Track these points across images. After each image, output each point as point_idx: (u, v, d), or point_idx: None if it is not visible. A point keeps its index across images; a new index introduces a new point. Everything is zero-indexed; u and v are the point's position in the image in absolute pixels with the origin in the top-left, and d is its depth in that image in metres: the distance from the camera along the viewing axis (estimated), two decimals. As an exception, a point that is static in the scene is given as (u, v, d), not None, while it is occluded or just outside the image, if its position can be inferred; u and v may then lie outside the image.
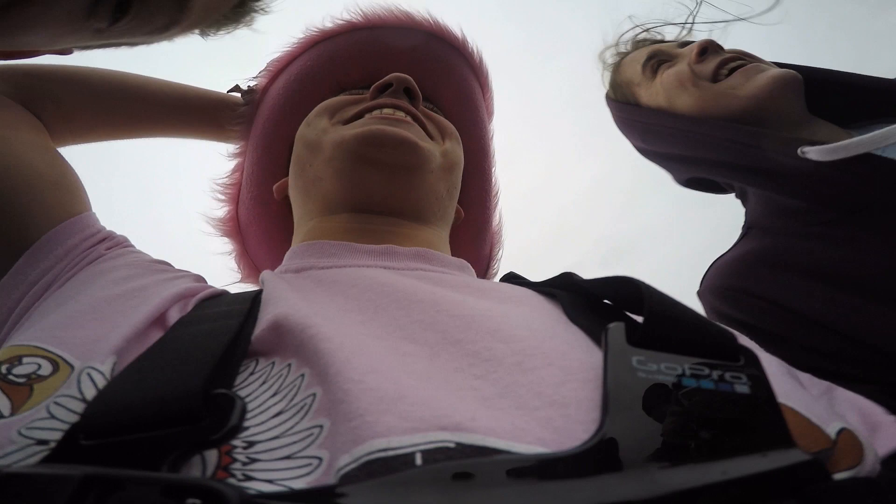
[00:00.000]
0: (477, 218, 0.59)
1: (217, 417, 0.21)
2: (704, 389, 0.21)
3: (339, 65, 0.53)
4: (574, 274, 0.35)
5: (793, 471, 0.18)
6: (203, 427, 0.20)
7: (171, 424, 0.19)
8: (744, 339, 0.25)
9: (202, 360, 0.23)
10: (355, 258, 0.41)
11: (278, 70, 0.56)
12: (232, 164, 0.59)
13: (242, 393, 0.25)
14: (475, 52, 0.58)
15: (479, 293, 0.34)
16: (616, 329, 0.24)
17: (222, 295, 0.37)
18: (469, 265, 0.47)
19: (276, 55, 0.57)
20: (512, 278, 0.45)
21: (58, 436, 0.21)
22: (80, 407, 0.23)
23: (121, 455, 0.19)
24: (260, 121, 0.55)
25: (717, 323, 0.26)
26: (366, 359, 0.23)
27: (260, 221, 0.56)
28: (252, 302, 0.33)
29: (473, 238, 0.59)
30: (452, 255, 0.48)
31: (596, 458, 0.18)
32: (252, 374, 0.26)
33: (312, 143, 0.47)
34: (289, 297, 0.32)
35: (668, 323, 0.24)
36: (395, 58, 0.53)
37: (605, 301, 0.33)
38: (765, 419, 0.20)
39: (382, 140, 0.42)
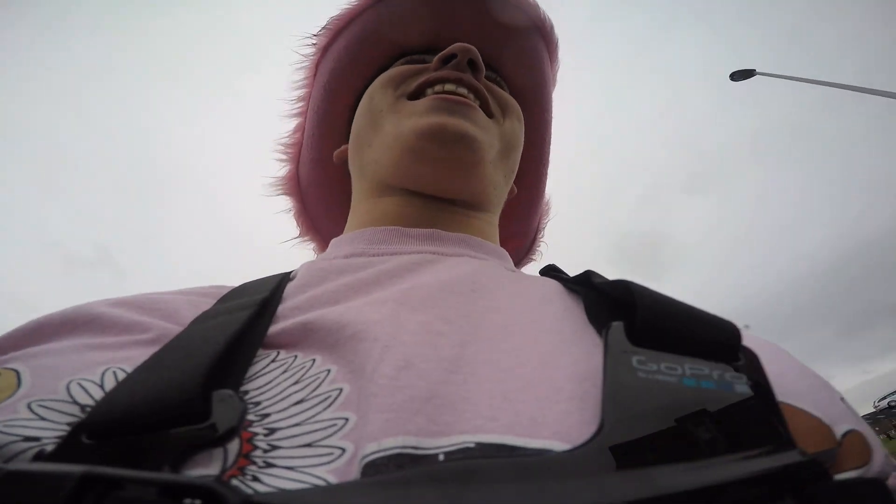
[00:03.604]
0: (530, 189, 0.58)
1: (219, 416, 0.21)
2: (705, 389, 0.21)
3: (401, 27, 0.52)
4: (594, 273, 0.35)
5: (792, 470, 0.17)
6: (204, 427, 0.20)
7: (171, 424, 0.19)
8: (747, 339, 0.25)
9: (207, 356, 0.23)
10: (403, 243, 0.42)
11: (339, 29, 0.55)
12: (292, 124, 0.59)
13: (262, 380, 0.25)
14: (546, 19, 0.55)
15: (515, 286, 0.35)
16: (616, 329, 0.24)
17: (248, 285, 0.37)
18: (508, 254, 0.48)
19: (337, 13, 0.55)
20: (550, 270, 0.45)
21: (50, 434, 0.20)
22: (66, 407, 0.22)
23: (122, 454, 0.19)
24: (320, 82, 0.55)
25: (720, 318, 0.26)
26: (401, 353, 0.24)
27: (320, 183, 0.57)
28: (272, 291, 0.33)
29: (525, 211, 0.59)
30: (502, 228, 0.48)
31: (595, 458, 0.18)
32: (273, 361, 0.26)
33: (374, 120, 0.46)
34: (321, 294, 0.32)
35: (664, 323, 0.24)
36: (459, 20, 0.51)
37: (619, 301, 0.33)
38: (765, 419, 0.20)
39: (442, 136, 0.42)
